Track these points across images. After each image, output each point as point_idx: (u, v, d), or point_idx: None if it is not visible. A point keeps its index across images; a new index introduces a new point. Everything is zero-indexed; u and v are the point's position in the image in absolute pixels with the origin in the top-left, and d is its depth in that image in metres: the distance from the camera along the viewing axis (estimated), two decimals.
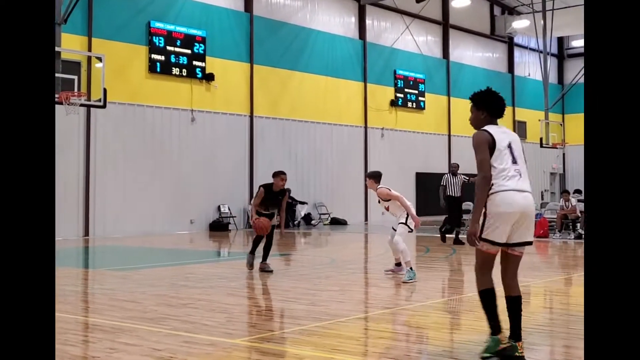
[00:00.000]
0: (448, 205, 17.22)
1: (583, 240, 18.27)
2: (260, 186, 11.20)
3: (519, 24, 34.45)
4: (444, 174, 18.28)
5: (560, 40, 40.67)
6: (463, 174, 17.41)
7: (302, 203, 25.13)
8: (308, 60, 26.29)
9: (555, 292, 9.69)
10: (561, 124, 33.26)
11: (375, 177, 11.01)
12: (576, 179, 38.44)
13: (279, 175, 11.10)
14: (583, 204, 20.25)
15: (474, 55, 35.06)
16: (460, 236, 16.98)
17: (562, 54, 41.32)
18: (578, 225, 19.26)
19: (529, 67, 37.46)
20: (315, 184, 26.01)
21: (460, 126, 33.08)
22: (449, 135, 32.55)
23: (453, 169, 17.41)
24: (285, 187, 11.08)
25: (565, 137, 32.40)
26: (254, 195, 11.69)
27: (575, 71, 32.84)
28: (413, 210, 10.65)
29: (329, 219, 26.05)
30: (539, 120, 30.31)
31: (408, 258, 10.13)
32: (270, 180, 11.06)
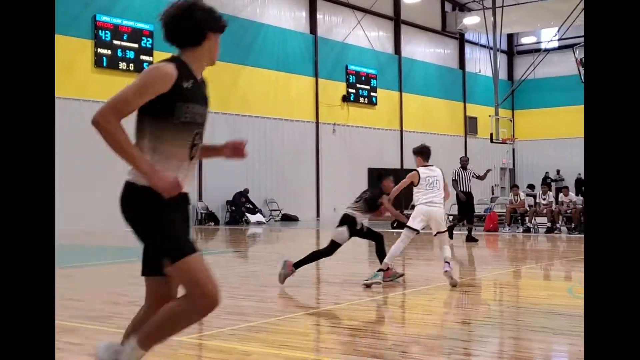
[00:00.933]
0: (459, 200, 16.71)
1: (531, 234, 18.61)
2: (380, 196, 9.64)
3: (470, 20, 34.86)
4: (411, 168, 18.19)
5: (510, 37, 41.27)
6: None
7: (255, 209, 24.80)
8: (258, 55, 26.18)
9: (504, 285, 9.83)
10: (511, 120, 33.78)
11: (416, 153, 9.69)
12: (525, 174, 39.09)
13: (389, 177, 9.77)
14: (532, 198, 20.63)
15: (426, 51, 35.36)
16: (473, 233, 16.48)
17: (512, 50, 41.95)
18: (526, 219, 19.60)
19: (479, 63, 37.93)
20: (266, 180, 25.93)
21: (413, 121, 33.36)
22: (401, 131, 32.78)
23: (463, 163, 16.83)
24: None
25: (515, 133, 32.92)
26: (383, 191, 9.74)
27: (525, 67, 33.39)
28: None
29: (280, 215, 25.99)
30: (490, 115, 30.73)
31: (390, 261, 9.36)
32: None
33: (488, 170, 17.74)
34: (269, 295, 8.46)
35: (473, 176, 16.68)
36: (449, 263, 9.02)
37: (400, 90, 32.90)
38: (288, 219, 25.82)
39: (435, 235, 9.50)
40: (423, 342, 5.82)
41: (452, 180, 16.67)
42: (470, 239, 16.11)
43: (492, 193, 35.10)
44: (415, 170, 9.46)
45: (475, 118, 37.42)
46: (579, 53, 30.05)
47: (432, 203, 9.32)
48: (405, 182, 9.44)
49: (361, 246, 16.90)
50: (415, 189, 9.43)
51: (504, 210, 20.55)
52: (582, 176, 33.27)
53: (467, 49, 38.27)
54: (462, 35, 37.45)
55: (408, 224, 9.38)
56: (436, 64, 35.80)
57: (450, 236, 16.02)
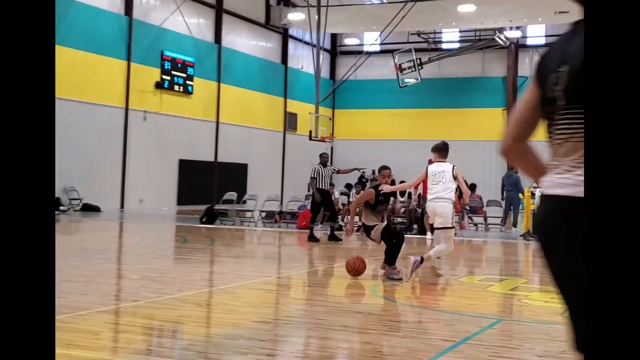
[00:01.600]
0: (313, 199, 16.24)
1: (343, 232, 19.18)
2: (369, 187, 9.83)
3: (294, 16, 35.35)
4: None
5: (334, 36, 42.35)
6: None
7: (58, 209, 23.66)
8: (67, 34, 24.91)
9: (312, 283, 10.02)
10: (331, 118, 34.65)
11: (434, 149, 9.96)
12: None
13: (380, 172, 10.02)
14: (346, 197, 21.28)
15: (248, 43, 35.43)
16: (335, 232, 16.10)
17: (335, 50, 43.08)
18: (339, 217, 20.14)
19: (302, 60, 38.59)
20: (67, 167, 24.68)
21: (230, 114, 33.29)
22: (217, 123, 32.62)
23: (323, 160, 16.42)
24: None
25: (334, 132, 33.82)
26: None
27: (347, 68, 34.32)
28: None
29: (80, 205, 24.91)
30: (310, 113, 31.33)
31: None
32: None
33: (354, 169, 17.84)
34: (61, 290, 8.04)
35: (333, 172, 16.53)
36: (420, 260, 9.25)
37: (219, 81, 32.72)
38: (89, 209, 24.80)
39: (436, 229, 9.63)
40: (220, 341, 5.77)
41: (311, 177, 16.60)
42: (333, 237, 15.90)
43: (308, 190, 35.86)
44: (424, 169, 9.77)
45: (295, 114, 38.05)
46: (399, 59, 31.44)
47: (436, 198, 9.49)
48: (418, 179, 9.96)
49: (165, 242, 16.63)
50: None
51: None
52: (394, 177, 34.81)
53: (291, 44, 38.80)
54: (285, 30, 37.92)
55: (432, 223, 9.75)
56: (258, 57, 35.98)
57: (312, 238, 15.78)
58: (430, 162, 18.23)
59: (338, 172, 16.79)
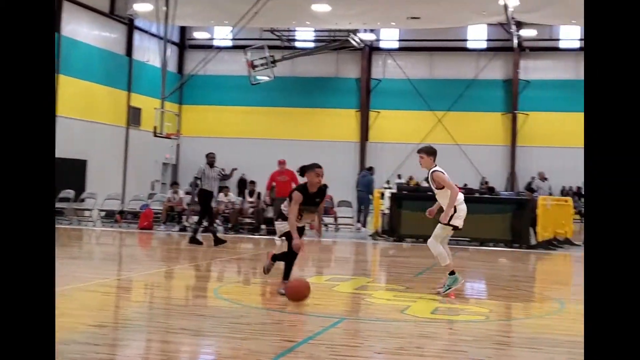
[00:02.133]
0: (203, 200, 15.31)
1: (187, 233, 18.99)
2: (293, 190, 8.57)
3: (141, 6, 34.48)
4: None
5: (183, 29, 41.83)
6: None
7: None
8: None
9: (152, 285, 9.86)
10: (177, 114, 34.23)
11: (431, 153, 9.06)
12: (190, 171, 39.80)
13: (312, 169, 8.44)
14: (190, 196, 21.07)
15: (90, 33, 34.30)
16: (218, 235, 15.52)
17: (184, 43, 42.54)
18: (184, 217, 19.99)
19: (149, 52, 37.78)
20: None
21: (70, 107, 32.12)
22: (54, 116, 31.42)
23: (210, 160, 15.40)
24: None
25: (181, 128, 33.41)
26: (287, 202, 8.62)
27: (196, 62, 34.02)
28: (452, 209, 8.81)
29: None
30: (155, 108, 30.82)
31: (447, 261, 8.84)
32: None
33: (234, 170, 16.92)
34: None
35: (219, 175, 15.58)
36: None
37: (57, 72, 31.49)
38: None
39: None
40: (63, 350, 5.57)
41: (194, 177, 15.79)
42: (194, 240, 15.11)
43: (152, 189, 35.22)
44: (439, 171, 8.92)
45: (140, 109, 37.19)
46: (251, 55, 31.51)
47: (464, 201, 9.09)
48: (455, 190, 8.94)
49: None
50: (445, 191, 8.87)
51: (162, 208, 20.75)
52: (246, 177, 34.75)
53: (136, 36, 37.88)
54: (131, 21, 37.01)
55: (454, 223, 8.88)
56: (100, 48, 34.89)
57: (196, 241, 15.10)
58: (280, 163, 18.36)
59: (224, 176, 16.00)
